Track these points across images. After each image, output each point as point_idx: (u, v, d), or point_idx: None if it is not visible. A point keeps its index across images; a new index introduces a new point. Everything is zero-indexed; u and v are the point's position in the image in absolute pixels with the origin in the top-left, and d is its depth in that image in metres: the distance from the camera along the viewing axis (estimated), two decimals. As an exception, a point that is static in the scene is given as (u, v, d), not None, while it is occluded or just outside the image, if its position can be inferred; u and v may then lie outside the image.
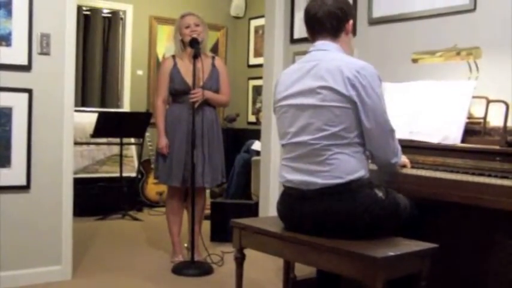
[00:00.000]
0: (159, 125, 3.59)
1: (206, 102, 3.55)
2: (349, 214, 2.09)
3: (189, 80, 3.49)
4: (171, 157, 3.54)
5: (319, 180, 2.11)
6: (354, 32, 2.33)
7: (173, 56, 3.66)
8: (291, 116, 2.21)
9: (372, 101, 2.07)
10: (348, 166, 2.09)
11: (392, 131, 2.18)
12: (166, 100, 3.64)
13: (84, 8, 5.90)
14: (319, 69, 2.12)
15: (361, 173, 2.11)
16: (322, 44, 2.23)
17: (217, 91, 3.63)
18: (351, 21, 2.27)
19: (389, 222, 2.18)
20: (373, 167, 2.31)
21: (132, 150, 5.84)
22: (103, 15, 6.09)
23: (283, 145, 2.30)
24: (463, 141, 2.45)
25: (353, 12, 2.32)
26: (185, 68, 3.56)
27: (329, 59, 2.15)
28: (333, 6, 2.21)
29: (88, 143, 5.41)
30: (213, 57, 3.73)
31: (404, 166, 2.41)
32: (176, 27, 3.63)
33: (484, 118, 2.47)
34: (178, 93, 3.57)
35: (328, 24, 2.21)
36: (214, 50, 6.54)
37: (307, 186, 2.15)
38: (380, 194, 2.14)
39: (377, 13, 3.40)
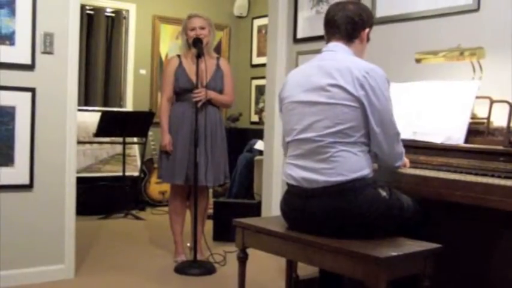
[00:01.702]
0: (162, 122, 3.59)
1: (210, 102, 3.55)
2: (352, 213, 2.09)
3: (194, 78, 3.49)
4: (174, 156, 3.54)
5: (322, 178, 2.11)
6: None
7: (179, 56, 3.67)
8: (298, 113, 2.22)
9: (380, 103, 2.08)
10: (352, 164, 2.09)
11: (398, 134, 2.19)
12: (172, 99, 3.65)
13: (87, 7, 5.91)
14: (328, 67, 2.14)
15: (365, 171, 2.11)
16: (334, 45, 2.25)
17: (221, 91, 3.63)
18: (367, 30, 2.29)
19: (392, 222, 2.18)
20: (376, 166, 2.30)
21: (135, 150, 5.84)
22: (106, 14, 6.10)
23: (288, 142, 2.30)
24: (466, 141, 2.45)
25: (372, 22, 2.34)
26: (190, 67, 3.57)
27: (338, 59, 2.17)
28: (353, 12, 2.24)
29: (91, 142, 5.42)
30: (218, 58, 3.73)
31: (404, 166, 2.41)
32: (183, 26, 3.64)
33: (488, 118, 2.46)
34: (182, 91, 3.58)
35: (343, 28, 2.23)
36: (217, 49, 6.53)
37: (310, 184, 2.15)
38: (384, 193, 2.14)
39: (380, 13, 3.40)
